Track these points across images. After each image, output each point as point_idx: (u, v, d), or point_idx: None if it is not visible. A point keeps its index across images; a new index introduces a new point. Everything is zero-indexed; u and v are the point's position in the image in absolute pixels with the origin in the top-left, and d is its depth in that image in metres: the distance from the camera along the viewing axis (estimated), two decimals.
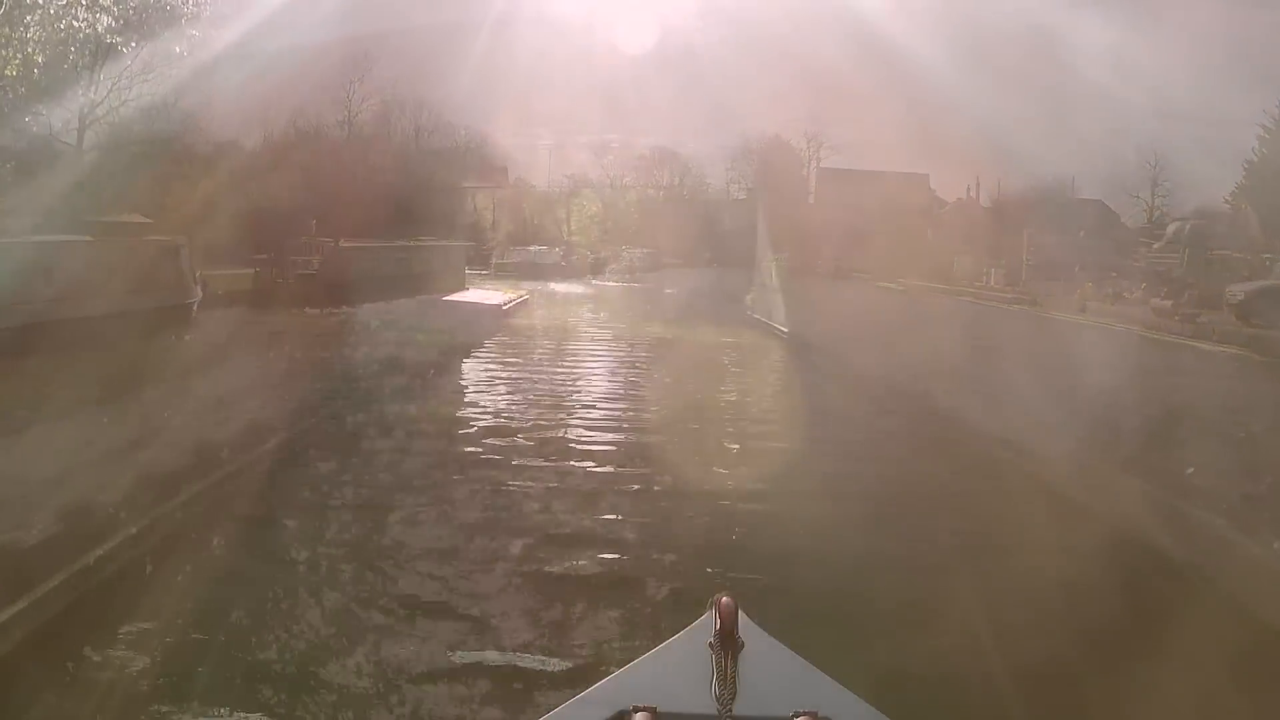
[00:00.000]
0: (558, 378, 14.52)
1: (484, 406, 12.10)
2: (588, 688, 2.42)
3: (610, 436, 10.26)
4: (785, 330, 20.07)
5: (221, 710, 4.36)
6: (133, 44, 13.52)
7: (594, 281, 42.82)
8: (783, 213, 22.12)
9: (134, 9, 13.97)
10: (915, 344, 13.89)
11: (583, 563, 6.27)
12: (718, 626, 2.23)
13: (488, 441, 9.77)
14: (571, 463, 8.97)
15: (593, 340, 20.86)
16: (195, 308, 14.13)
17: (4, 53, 12.99)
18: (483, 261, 49.99)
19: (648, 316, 25.81)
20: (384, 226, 22.50)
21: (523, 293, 29.78)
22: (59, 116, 13.15)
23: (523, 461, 8.99)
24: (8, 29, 12.89)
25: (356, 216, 20.35)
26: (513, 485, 8.08)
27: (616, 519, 7.23)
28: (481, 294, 27.02)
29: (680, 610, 4.88)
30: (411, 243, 23.82)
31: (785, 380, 15.84)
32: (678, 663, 2.45)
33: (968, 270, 30.03)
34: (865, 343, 15.44)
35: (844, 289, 25.57)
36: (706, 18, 11.16)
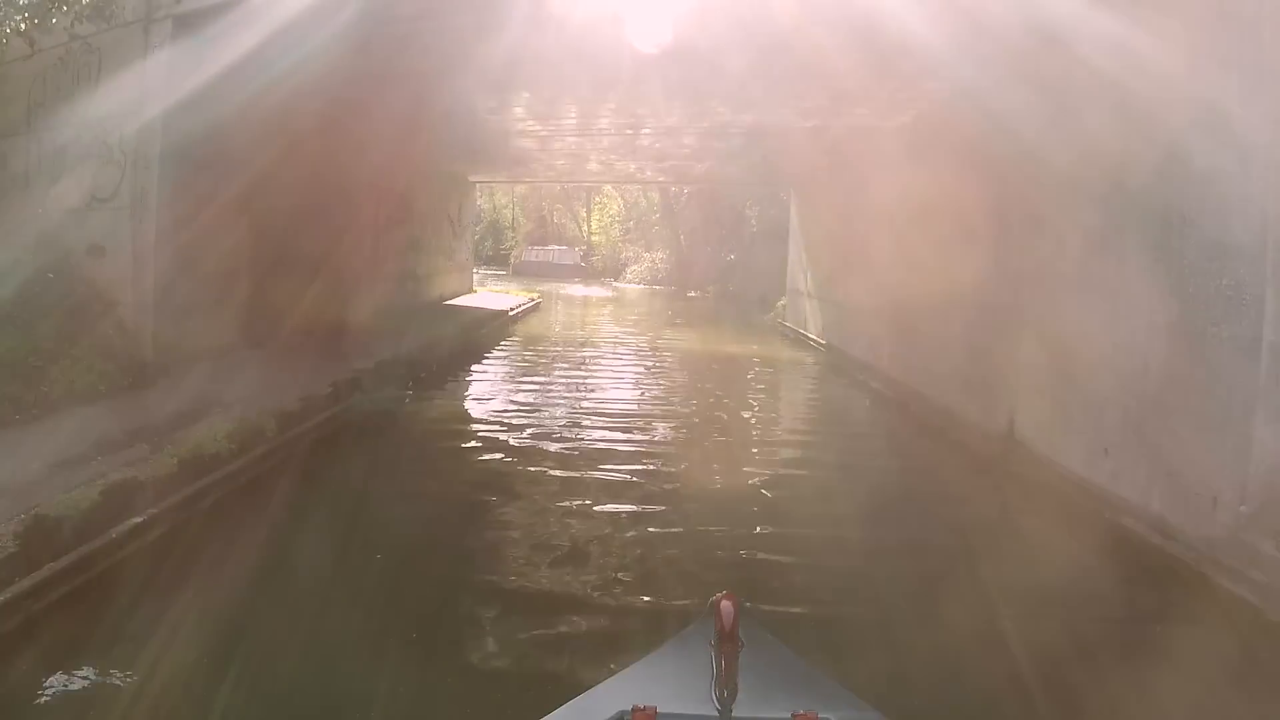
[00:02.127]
0: (559, 419, 10.87)
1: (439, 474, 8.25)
2: (588, 688, 2.41)
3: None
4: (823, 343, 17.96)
5: None
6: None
7: (615, 284, 41.06)
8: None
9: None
10: None
11: None
12: (718, 626, 2.18)
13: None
14: None
15: (613, 353, 18.68)
16: None
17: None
18: (501, 261, 48.52)
19: (672, 324, 23.86)
20: (388, 225, 20.68)
21: (535, 295, 27.92)
22: None
23: None
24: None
25: (359, 216, 18.56)
26: None
27: None
28: (490, 297, 25.12)
29: None
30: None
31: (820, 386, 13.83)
32: (678, 663, 2.48)
33: None
34: None
35: None
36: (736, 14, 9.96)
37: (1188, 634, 4.83)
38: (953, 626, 4.70)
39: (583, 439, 9.69)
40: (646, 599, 5.37)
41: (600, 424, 10.60)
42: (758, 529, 6.79)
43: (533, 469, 8.35)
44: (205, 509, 5.59)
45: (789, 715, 2.06)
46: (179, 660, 4.03)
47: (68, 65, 10.32)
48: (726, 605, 2.21)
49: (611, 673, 2.52)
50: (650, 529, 6.67)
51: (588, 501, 7.22)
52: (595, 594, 5.37)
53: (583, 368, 16.03)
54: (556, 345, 19.61)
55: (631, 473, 8.33)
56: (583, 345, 19.60)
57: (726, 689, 2.10)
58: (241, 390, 8.39)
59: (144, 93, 9.52)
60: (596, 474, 8.14)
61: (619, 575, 5.73)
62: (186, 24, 9.38)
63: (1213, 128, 5.67)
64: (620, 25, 9.64)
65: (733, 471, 8.50)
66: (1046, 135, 7.84)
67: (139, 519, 5.01)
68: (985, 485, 7.94)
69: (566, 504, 7.12)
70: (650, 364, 17.18)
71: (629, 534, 6.52)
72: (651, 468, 8.61)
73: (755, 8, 8.76)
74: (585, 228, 51.42)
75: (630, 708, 2.10)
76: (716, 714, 2.08)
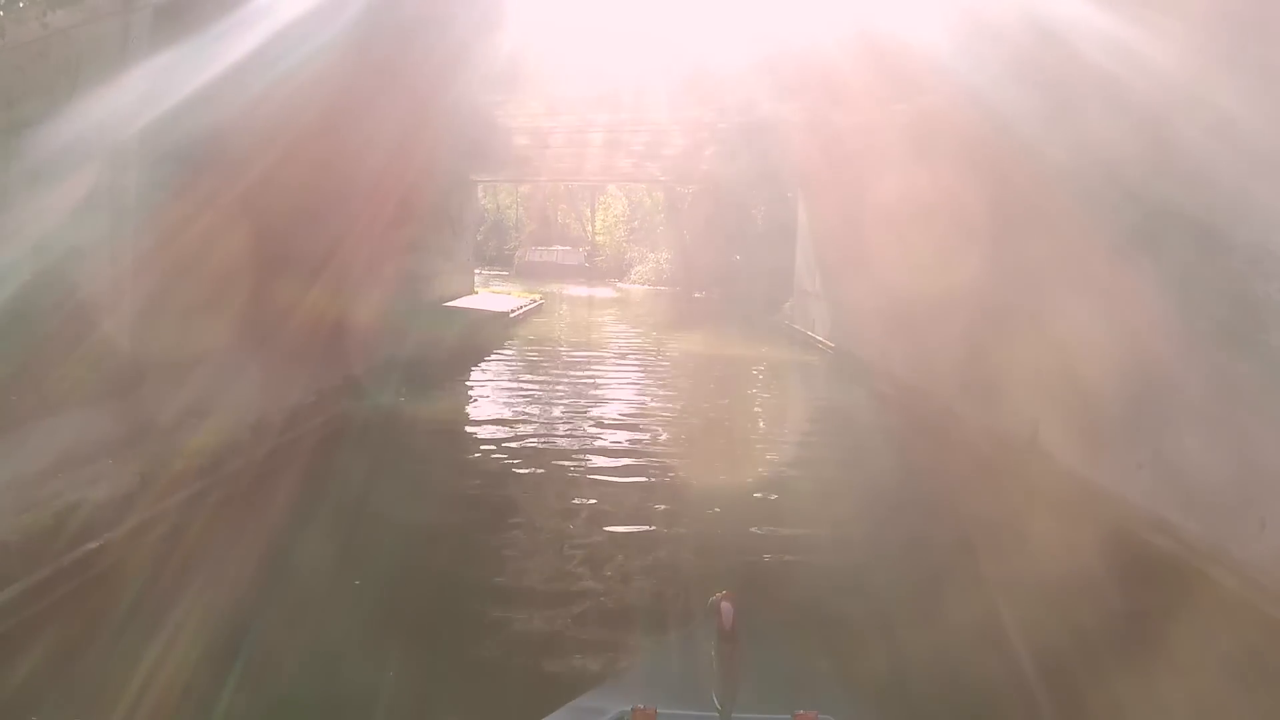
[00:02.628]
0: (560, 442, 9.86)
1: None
2: (588, 689, 2.41)
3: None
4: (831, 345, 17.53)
5: None
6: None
7: (619, 285, 40.66)
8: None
9: None
10: None
11: None
12: (718, 626, 2.15)
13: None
14: None
15: (617, 356, 18.25)
16: None
17: None
18: (504, 261, 48.15)
19: (678, 326, 23.44)
20: (387, 226, 20.32)
21: (537, 296, 27.52)
22: None
23: None
24: None
25: (358, 217, 18.21)
26: None
27: None
28: (491, 298, 24.74)
29: None
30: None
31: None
32: (678, 663, 2.51)
33: None
34: None
35: None
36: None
37: (1243, 658, 4.49)
38: (993, 636, 4.66)
39: (585, 444, 9.35)
40: (648, 600, 5.30)
41: (602, 429, 10.24)
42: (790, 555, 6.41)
43: (530, 474, 8.01)
44: (165, 532, 5.20)
45: (789, 715, 2.09)
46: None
47: (47, 59, 9.97)
48: (726, 605, 2.18)
49: (612, 673, 2.54)
50: (652, 530, 6.52)
51: (589, 513, 6.86)
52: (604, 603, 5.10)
53: (585, 372, 15.64)
54: (558, 348, 19.23)
55: (635, 478, 8.00)
56: (585, 348, 19.20)
57: (726, 689, 2.08)
58: (230, 397, 8.00)
59: (123, 87, 9.11)
60: (599, 477, 7.83)
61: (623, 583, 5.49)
62: (169, 14, 8.96)
63: (1248, 128, 5.27)
64: (623, 25, 9.41)
65: (736, 481, 8.11)
66: (1051, 135, 7.43)
67: (93, 545, 4.63)
68: (1008, 499, 7.49)
69: (568, 522, 6.78)
70: (656, 367, 16.79)
71: (630, 538, 6.30)
72: (656, 471, 8.30)
73: (759, 8, 8.51)
74: (589, 228, 51.05)
75: (630, 708, 2.11)
76: (716, 714, 2.07)
